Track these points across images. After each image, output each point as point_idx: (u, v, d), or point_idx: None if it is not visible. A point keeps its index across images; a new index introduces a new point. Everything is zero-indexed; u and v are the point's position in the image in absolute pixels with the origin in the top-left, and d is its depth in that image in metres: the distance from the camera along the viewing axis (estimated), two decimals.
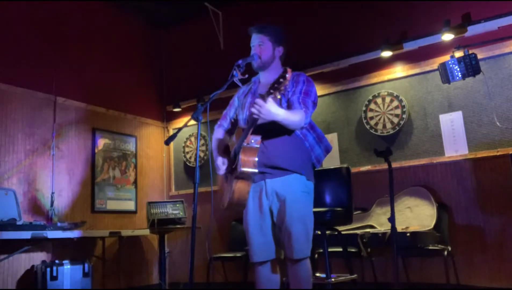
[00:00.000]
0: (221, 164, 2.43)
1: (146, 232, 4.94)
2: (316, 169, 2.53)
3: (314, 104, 2.43)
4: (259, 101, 2.12)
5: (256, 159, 2.27)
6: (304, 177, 2.41)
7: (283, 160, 2.36)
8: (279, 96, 2.17)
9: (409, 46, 4.31)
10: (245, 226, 2.44)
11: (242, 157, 2.24)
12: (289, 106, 2.38)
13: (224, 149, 2.54)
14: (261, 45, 2.48)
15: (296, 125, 2.32)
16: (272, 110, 2.14)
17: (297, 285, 2.38)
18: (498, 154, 3.82)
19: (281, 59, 2.56)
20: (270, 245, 2.39)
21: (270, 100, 2.12)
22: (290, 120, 2.26)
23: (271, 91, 2.09)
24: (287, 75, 2.03)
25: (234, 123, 2.66)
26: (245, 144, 2.25)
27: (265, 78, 2.55)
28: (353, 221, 3.58)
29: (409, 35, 4.34)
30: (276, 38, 2.52)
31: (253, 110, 2.13)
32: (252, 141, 2.25)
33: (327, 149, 2.51)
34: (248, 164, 2.25)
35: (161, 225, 4.86)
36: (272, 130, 2.32)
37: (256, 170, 2.27)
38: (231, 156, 2.41)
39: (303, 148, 2.44)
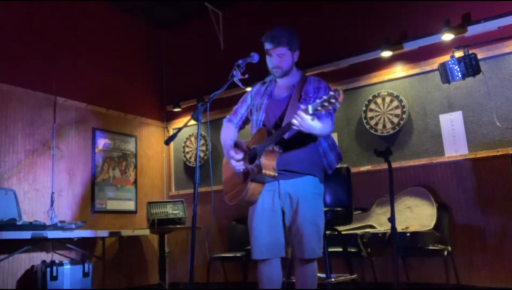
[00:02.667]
0: (234, 154, 2.40)
1: (146, 232, 4.94)
2: (327, 174, 2.55)
3: (334, 110, 2.44)
4: (301, 114, 2.11)
5: (275, 163, 2.29)
6: (317, 179, 2.45)
7: (297, 165, 2.39)
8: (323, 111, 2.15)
9: (409, 46, 4.30)
10: (250, 223, 2.44)
11: (263, 160, 2.26)
12: None
13: (235, 144, 2.53)
14: (281, 57, 2.46)
15: (326, 134, 2.37)
16: (313, 124, 2.16)
17: (304, 285, 2.40)
18: (498, 154, 3.82)
19: (295, 62, 2.58)
20: (278, 244, 2.40)
21: (312, 115, 2.12)
22: (324, 131, 2.29)
23: (319, 108, 2.07)
24: (340, 98, 2.01)
25: (245, 121, 2.69)
26: (270, 148, 2.26)
27: (283, 80, 2.55)
28: (353, 221, 3.58)
29: (409, 35, 4.34)
30: (294, 45, 2.50)
31: (294, 121, 2.13)
32: (276, 147, 2.27)
33: (340, 156, 2.54)
34: (269, 168, 2.27)
35: (161, 225, 4.86)
36: (296, 138, 2.34)
37: (276, 174, 2.29)
38: (249, 155, 2.39)
39: (317, 154, 2.47)
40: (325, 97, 2.05)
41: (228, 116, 2.70)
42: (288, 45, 2.46)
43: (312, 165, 2.44)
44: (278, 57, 2.46)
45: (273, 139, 2.26)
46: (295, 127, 2.15)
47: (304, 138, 2.39)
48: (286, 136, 2.29)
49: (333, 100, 2.03)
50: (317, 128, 2.20)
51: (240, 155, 2.40)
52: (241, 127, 2.70)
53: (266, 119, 2.47)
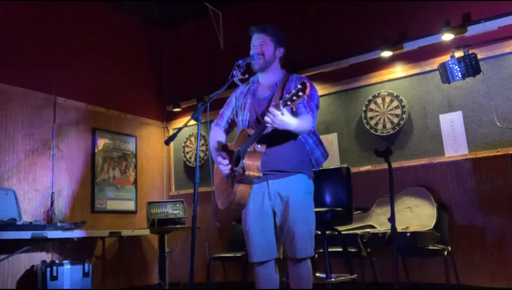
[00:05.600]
0: (222, 159, 2.39)
1: (146, 232, 4.94)
2: (315, 171, 2.54)
3: (317, 107, 2.46)
4: (273, 110, 2.08)
5: (259, 164, 2.27)
6: (306, 177, 2.44)
7: (285, 164, 2.38)
8: (294, 107, 2.14)
9: (409, 46, 4.31)
10: (244, 227, 2.44)
11: (247, 161, 2.24)
12: (293, 109, 2.37)
13: (223, 148, 2.53)
14: (263, 45, 2.48)
15: (306, 130, 2.34)
16: (286, 120, 2.13)
17: (298, 285, 2.38)
18: (498, 154, 3.82)
19: (281, 60, 2.56)
20: (271, 245, 2.40)
21: (285, 110, 2.09)
22: (301, 127, 2.27)
23: (288, 103, 2.05)
24: (306, 90, 2.00)
25: (231, 123, 2.67)
26: (251, 149, 2.24)
27: (265, 78, 2.55)
28: (353, 221, 3.58)
29: (409, 35, 4.34)
30: (277, 39, 2.52)
31: (266, 119, 2.10)
32: (258, 146, 2.24)
33: (326, 153, 2.53)
34: (253, 169, 2.25)
35: (161, 225, 4.86)
36: (277, 136, 2.32)
37: (260, 175, 2.27)
38: (234, 157, 2.39)
39: (303, 151, 2.46)
40: (293, 91, 2.04)
41: (215, 121, 2.68)
42: (272, 36, 2.49)
43: (300, 163, 2.42)
44: (260, 46, 2.47)
45: (252, 139, 2.24)
46: (268, 125, 2.12)
47: (286, 136, 2.37)
48: (268, 134, 2.26)
49: (300, 93, 2.01)
50: (292, 124, 2.17)
51: (226, 160, 2.39)
52: (228, 130, 2.68)
53: (251, 119, 2.47)
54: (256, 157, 2.26)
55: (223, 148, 2.52)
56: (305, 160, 2.45)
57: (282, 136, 2.35)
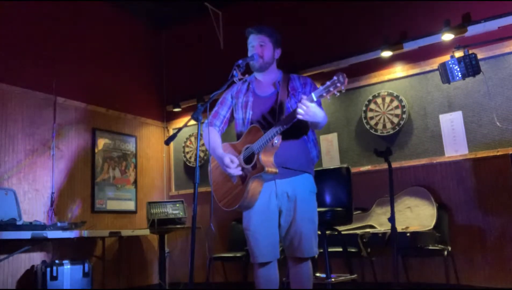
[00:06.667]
0: (229, 162, 2.32)
1: (146, 232, 4.94)
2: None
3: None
4: (305, 102, 2.11)
5: (273, 159, 2.28)
6: (311, 176, 2.46)
7: (292, 161, 2.38)
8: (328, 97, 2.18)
9: (409, 46, 4.31)
10: (247, 227, 2.40)
11: (263, 157, 2.24)
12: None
13: (228, 148, 2.49)
14: (262, 45, 2.48)
15: (324, 124, 2.37)
16: (317, 112, 2.18)
17: (299, 285, 2.38)
18: (498, 154, 3.82)
19: (277, 61, 2.57)
20: (275, 246, 2.39)
21: (315, 102, 2.13)
22: (324, 120, 2.31)
23: (324, 94, 2.09)
24: (345, 81, 2.04)
25: (227, 122, 2.63)
26: (269, 144, 2.25)
27: (264, 78, 2.55)
28: (353, 221, 3.58)
29: (409, 35, 4.34)
30: (275, 39, 2.52)
31: (299, 110, 2.12)
32: (276, 141, 2.25)
33: (319, 153, 2.54)
34: (269, 165, 2.26)
35: (161, 225, 4.86)
36: (290, 132, 2.32)
37: (277, 171, 2.27)
38: (244, 155, 2.37)
39: (306, 150, 2.47)
40: (328, 83, 2.07)
41: (207, 120, 2.60)
42: (270, 37, 2.50)
43: (306, 162, 2.43)
44: (260, 46, 2.47)
45: (273, 133, 2.24)
46: (299, 116, 2.14)
47: (298, 133, 2.39)
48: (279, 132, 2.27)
49: (338, 84, 2.05)
50: (320, 116, 2.22)
51: (236, 161, 2.34)
52: (223, 129, 2.62)
53: (254, 116, 2.46)
54: (270, 153, 2.28)
55: (228, 148, 2.49)
56: (308, 159, 2.46)
57: (294, 133, 2.36)
